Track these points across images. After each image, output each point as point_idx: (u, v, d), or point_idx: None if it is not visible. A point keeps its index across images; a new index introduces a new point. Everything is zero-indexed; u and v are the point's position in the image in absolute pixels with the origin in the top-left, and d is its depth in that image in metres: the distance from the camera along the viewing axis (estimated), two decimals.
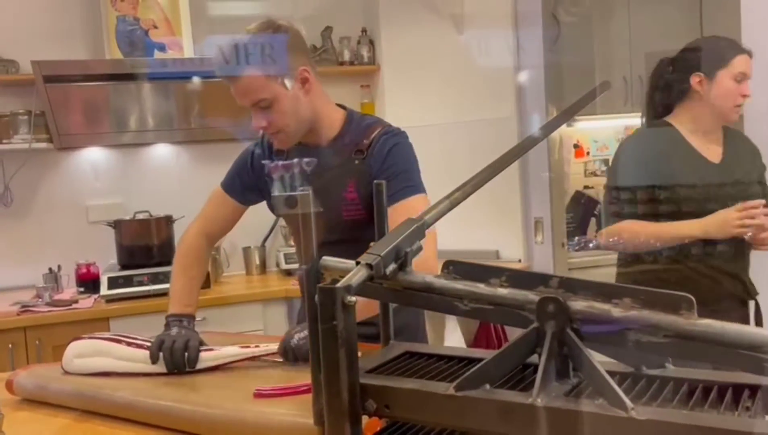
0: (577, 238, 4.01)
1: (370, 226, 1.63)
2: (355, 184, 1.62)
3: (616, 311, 0.73)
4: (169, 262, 3.14)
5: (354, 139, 1.65)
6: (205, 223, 1.81)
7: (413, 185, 1.60)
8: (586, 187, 4.24)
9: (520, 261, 3.29)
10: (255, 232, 3.48)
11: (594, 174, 4.26)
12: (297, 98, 1.59)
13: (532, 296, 0.78)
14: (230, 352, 1.39)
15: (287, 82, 1.57)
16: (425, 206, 1.60)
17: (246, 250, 3.51)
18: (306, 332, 1.41)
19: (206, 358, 1.39)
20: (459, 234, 3.04)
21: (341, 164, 1.63)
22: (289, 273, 3.35)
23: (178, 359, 1.38)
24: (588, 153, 4.24)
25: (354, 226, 1.63)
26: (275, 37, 1.57)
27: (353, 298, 0.76)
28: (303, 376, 1.27)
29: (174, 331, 1.51)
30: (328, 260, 0.94)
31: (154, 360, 1.39)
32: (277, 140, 1.64)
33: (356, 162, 1.62)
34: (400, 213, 1.49)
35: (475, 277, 0.84)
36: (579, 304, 0.75)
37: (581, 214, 4.13)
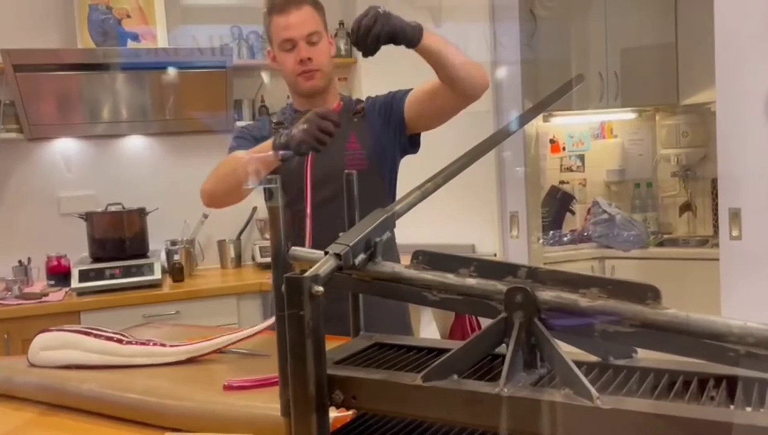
0: (552, 232, 4.03)
1: (372, 176, 1.70)
2: (356, 136, 1.80)
3: (583, 301, 0.73)
4: (142, 255, 3.12)
5: (349, 108, 1.87)
6: None
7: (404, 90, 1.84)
8: (561, 182, 4.26)
9: (495, 255, 3.30)
10: (230, 226, 3.46)
11: (569, 169, 4.29)
12: (330, 47, 1.81)
13: (501, 286, 0.77)
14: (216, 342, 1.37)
15: (326, 28, 1.80)
16: None
17: (221, 244, 3.48)
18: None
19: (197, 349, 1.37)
20: (435, 228, 3.04)
21: (342, 123, 1.77)
22: (264, 266, 3.33)
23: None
24: (564, 148, 4.27)
25: (359, 178, 1.68)
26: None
27: (320, 288, 0.76)
28: (273, 369, 1.26)
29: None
30: (297, 250, 0.93)
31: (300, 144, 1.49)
32: (314, 78, 1.77)
33: (355, 120, 1.83)
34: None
35: (444, 266, 0.84)
36: (547, 294, 0.74)
37: (557, 208, 4.16)
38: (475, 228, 3.33)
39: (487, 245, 3.33)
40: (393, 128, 1.83)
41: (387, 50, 3.63)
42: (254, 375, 1.18)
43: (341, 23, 3.59)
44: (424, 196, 1.02)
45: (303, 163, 1.73)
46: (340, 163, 1.73)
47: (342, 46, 3.57)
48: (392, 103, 1.83)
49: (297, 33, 1.72)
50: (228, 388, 1.14)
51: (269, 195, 0.93)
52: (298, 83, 1.79)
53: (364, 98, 1.94)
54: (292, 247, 0.95)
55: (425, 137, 3.27)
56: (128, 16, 3.14)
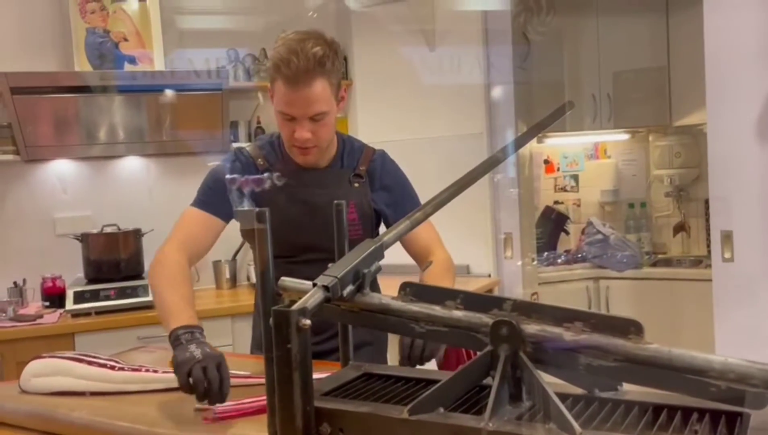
0: (546, 253, 4.04)
1: (365, 239, 1.66)
2: (355, 205, 1.67)
3: (568, 335, 0.74)
4: (137, 276, 3.12)
5: (350, 162, 1.71)
6: (183, 244, 1.68)
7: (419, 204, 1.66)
8: (556, 202, 4.28)
9: (489, 276, 3.31)
10: (225, 246, 3.45)
11: (564, 189, 4.30)
12: (336, 114, 1.60)
13: (486, 319, 0.78)
14: None
15: (337, 98, 1.58)
16: (434, 228, 1.72)
17: (216, 264, 3.48)
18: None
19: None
20: None
21: (341, 186, 1.68)
22: None
23: (215, 392, 1.18)
24: (558, 169, 4.29)
25: (352, 246, 1.64)
26: (337, 51, 1.56)
27: (308, 321, 0.76)
28: (248, 391, 1.26)
29: (195, 350, 1.26)
30: (287, 281, 0.94)
31: (187, 391, 1.20)
32: (308, 154, 1.61)
33: (356, 185, 1.68)
34: (427, 231, 1.67)
35: (431, 298, 0.85)
36: (532, 328, 0.75)
37: (551, 229, 4.17)
38: (469, 249, 3.34)
39: (482, 266, 3.33)
40: (381, 214, 1.73)
41: (383, 73, 3.66)
42: (231, 400, 1.18)
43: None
44: (413, 226, 1.03)
45: (292, 224, 1.63)
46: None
47: None
48: (394, 212, 1.71)
49: (299, 112, 1.53)
50: (208, 420, 1.14)
51: (258, 218, 0.94)
52: (291, 150, 1.65)
53: (361, 129, 1.82)
54: (282, 278, 0.95)
55: (419, 156, 3.31)
56: (125, 40, 3.16)
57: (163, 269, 1.60)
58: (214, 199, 1.71)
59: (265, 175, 1.67)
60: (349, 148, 1.72)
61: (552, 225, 4.17)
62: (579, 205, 4.30)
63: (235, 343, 2.93)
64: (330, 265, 0.90)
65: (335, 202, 1.03)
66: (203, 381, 1.18)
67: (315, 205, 1.65)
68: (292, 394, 0.76)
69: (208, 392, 1.18)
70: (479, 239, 3.33)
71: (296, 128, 1.55)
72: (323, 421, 0.79)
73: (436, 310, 0.83)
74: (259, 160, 1.69)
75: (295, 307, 0.76)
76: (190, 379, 1.20)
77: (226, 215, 1.72)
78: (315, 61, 1.48)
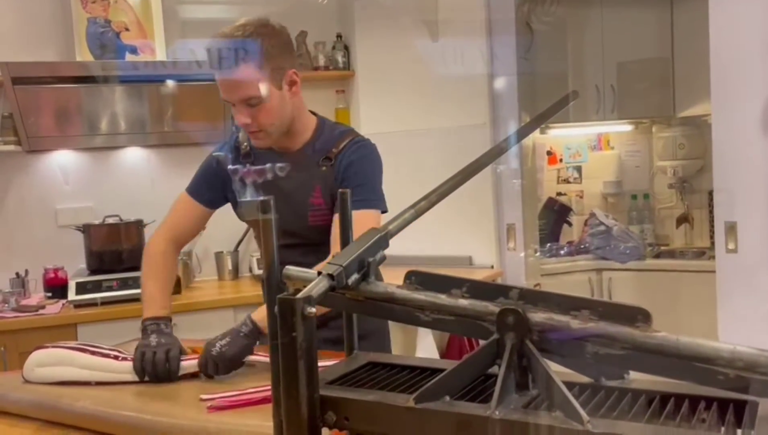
0: (549, 244, 4.04)
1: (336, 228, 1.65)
2: (322, 189, 1.66)
3: (575, 323, 0.73)
4: (139, 267, 3.10)
5: (324, 146, 1.68)
6: (172, 228, 1.80)
7: (367, 200, 1.62)
8: (558, 193, 4.27)
9: (492, 267, 3.31)
10: (228, 237, 3.46)
11: (567, 181, 4.30)
12: (284, 99, 1.59)
13: (493, 307, 0.78)
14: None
15: (278, 82, 1.58)
16: (374, 222, 1.62)
17: (218, 255, 3.48)
18: (228, 339, 1.45)
19: (187, 366, 1.39)
20: (432, 240, 3.04)
21: (309, 170, 1.67)
22: (261, 278, 3.32)
23: (161, 372, 1.39)
24: (561, 160, 4.28)
25: (319, 230, 1.66)
26: (271, 35, 1.57)
27: (313, 310, 0.76)
28: (248, 381, 1.27)
29: (153, 339, 1.50)
30: (291, 270, 0.93)
31: (139, 375, 1.40)
32: (257, 139, 1.62)
33: (323, 168, 1.66)
34: (362, 223, 1.55)
35: (437, 287, 0.84)
36: (538, 316, 0.75)
37: (554, 220, 4.16)
38: (472, 240, 3.34)
39: (484, 257, 3.33)
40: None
41: (385, 64, 3.64)
42: (230, 390, 1.18)
43: (339, 36, 3.60)
44: (417, 215, 1.02)
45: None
46: (304, 219, 1.65)
47: (340, 59, 3.59)
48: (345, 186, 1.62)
49: (229, 97, 1.55)
50: (213, 409, 1.14)
51: (263, 208, 0.93)
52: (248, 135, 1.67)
53: (352, 122, 1.81)
54: (286, 266, 0.95)
55: (421, 146, 3.30)
56: (127, 30, 3.15)
57: (148, 259, 1.77)
58: (199, 184, 1.79)
59: (241, 162, 1.73)
60: (327, 133, 1.70)
61: (555, 216, 4.16)
62: (582, 197, 4.29)
63: None
64: (335, 253, 0.90)
65: (340, 190, 1.02)
66: (151, 362, 1.39)
67: (281, 188, 1.66)
68: (297, 383, 0.75)
69: (153, 373, 1.38)
70: (482, 230, 3.33)
71: (236, 112, 1.57)
72: (328, 410, 0.79)
73: (442, 298, 0.82)
74: (244, 144, 1.72)
75: (300, 295, 0.76)
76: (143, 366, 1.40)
77: (209, 202, 1.79)
78: (234, 45, 1.51)
